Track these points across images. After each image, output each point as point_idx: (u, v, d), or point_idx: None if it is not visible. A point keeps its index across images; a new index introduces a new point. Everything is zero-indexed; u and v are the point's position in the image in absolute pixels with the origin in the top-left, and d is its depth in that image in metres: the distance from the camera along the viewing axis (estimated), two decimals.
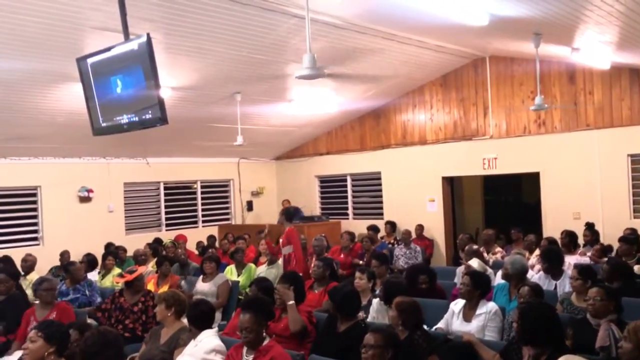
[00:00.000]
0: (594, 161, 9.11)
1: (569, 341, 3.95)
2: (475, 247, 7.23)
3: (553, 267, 5.89)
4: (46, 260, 8.98)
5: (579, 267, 5.11)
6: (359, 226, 11.43)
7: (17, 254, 8.47)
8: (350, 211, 12.56)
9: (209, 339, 4.18)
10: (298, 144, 13.14)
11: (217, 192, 13.12)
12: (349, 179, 12.60)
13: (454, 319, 4.80)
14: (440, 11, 6.41)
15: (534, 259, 7.07)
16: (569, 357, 3.02)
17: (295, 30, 6.83)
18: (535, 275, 6.23)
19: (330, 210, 12.82)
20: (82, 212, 10.63)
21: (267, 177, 13.65)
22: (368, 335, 3.54)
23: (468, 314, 4.72)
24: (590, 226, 8.16)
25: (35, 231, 10.30)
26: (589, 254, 7.28)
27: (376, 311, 5.19)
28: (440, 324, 4.90)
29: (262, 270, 7.79)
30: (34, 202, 10.31)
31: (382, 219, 11.44)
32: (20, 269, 7.95)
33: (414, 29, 7.68)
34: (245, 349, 3.90)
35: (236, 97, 9.13)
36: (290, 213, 7.97)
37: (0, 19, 5.48)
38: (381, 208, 11.84)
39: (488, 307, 4.68)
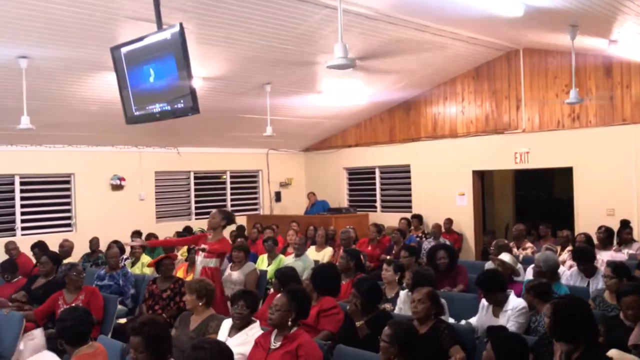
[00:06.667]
0: (629, 157, 8.88)
1: (602, 338, 3.87)
2: (504, 241, 7.15)
3: (585, 266, 5.83)
4: (78, 246, 9.13)
5: (612, 265, 4.99)
6: (387, 219, 11.38)
7: (50, 240, 8.66)
8: (378, 204, 12.51)
9: (258, 329, 4.27)
10: (327, 135, 13.13)
11: (246, 182, 13.21)
12: (377, 171, 12.54)
13: (483, 313, 4.81)
14: (474, 2, 6.31)
15: (565, 254, 6.95)
16: (615, 352, 2.92)
17: (326, 21, 6.81)
18: (567, 271, 6.14)
19: (358, 202, 12.79)
20: (114, 199, 10.83)
21: (295, 168, 13.68)
22: (386, 328, 3.61)
23: (496, 309, 4.72)
24: (626, 223, 7.98)
25: (69, 217, 10.53)
26: (626, 250, 7.13)
27: (403, 302, 5.18)
28: (472, 320, 4.91)
29: (289, 262, 7.80)
30: (68, 189, 10.54)
31: (411, 212, 11.37)
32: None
33: (447, 21, 7.58)
34: (273, 336, 3.92)
35: (266, 88, 9.16)
36: (231, 216, 6.40)
37: (37, 7, 5.58)
38: (410, 201, 11.74)
39: (515, 303, 4.65)
